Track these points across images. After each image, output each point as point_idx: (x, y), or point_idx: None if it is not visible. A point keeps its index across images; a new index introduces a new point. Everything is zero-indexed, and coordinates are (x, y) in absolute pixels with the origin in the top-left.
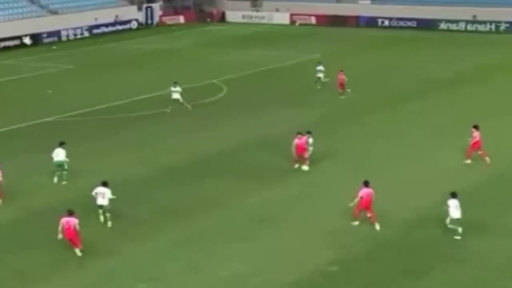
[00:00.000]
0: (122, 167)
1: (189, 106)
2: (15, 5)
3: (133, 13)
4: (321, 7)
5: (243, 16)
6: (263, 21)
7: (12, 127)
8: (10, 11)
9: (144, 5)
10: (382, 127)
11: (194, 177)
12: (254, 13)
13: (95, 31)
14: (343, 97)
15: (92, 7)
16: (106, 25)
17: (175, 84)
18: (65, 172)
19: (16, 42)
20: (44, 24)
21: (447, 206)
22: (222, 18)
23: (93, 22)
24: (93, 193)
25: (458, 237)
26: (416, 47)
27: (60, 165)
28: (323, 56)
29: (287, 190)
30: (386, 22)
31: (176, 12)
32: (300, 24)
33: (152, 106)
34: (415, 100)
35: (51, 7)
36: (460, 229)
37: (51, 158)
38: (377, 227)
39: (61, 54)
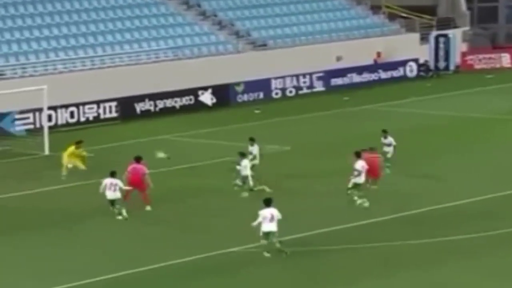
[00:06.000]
0: None
1: None
2: (187, 30)
3: (411, 48)
4: None
5: None
6: None
7: (172, 262)
8: (171, 42)
9: (433, 33)
10: None
11: None
12: None
13: (335, 81)
14: None
15: (332, 38)
16: (358, 70)
17: None
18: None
19: (187, 100)
20: (240, 67)
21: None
22: None
23: (332, 65)
24: (101, 189)
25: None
26: None
27: (246, 177)
28: None
29: None
30: None
31: (496, 47)
32: None
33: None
34: None
35: (255, 35)
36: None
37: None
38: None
39: (270, 123)
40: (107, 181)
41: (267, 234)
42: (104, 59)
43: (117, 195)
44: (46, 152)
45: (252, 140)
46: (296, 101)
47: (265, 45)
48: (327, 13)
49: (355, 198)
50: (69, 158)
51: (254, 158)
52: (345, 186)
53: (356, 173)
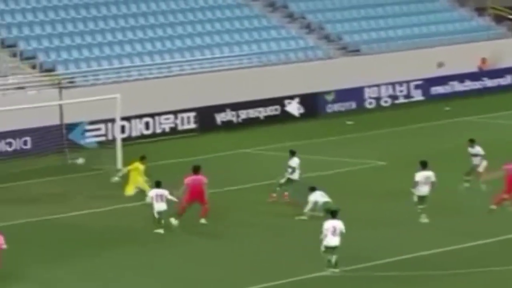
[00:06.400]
0: None
1: None
2: (273, 34)
3: None
4: None
5: None
6: None
7: None
8: (255, 47)
9: None
10: None
11: None
12: None
13: (435, 89)
14: None
15: (432, 42)
16: (461, 78)
17: None
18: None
19: (273, 110)
20: (330, 74)
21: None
22: None
23: (432, 72)
24: (148, 199)
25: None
26: None
27: (328, 208)
28: None
29: None
30: None
31: None
32: None
33: None
34: None
35: (347, 40)
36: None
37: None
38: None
39: (363, 136)
40: (153, 192)
41: (329, 249)
42: (182, 65)
43: (164, 206)
44: (119, 166)
45: (292, 153)
46: (392, 112)
47: (358, 50)
48: (427, 15)
49: (418, 210)
50: (134, 174)
51: (293, 171)
52: (444, 203)
53: (414, 184)
